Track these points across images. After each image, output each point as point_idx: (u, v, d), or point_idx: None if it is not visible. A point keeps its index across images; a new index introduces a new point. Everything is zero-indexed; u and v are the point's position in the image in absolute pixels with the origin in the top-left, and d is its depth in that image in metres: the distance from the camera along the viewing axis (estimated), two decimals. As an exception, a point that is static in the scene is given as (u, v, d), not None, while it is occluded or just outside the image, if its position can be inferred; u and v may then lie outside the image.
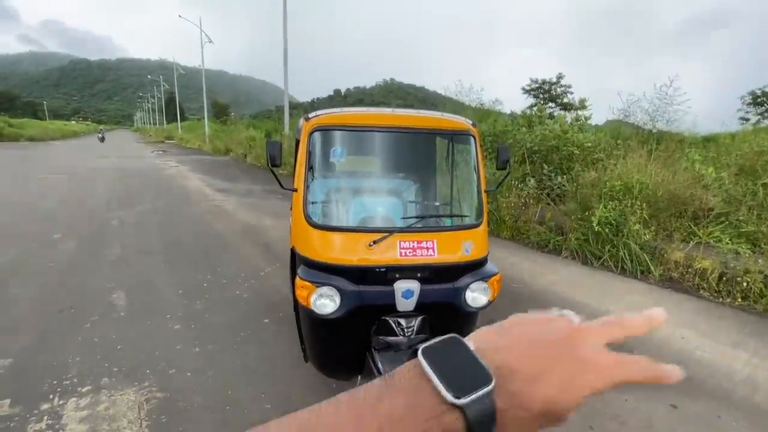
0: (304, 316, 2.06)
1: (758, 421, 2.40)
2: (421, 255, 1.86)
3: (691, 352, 3.19)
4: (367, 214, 2.06)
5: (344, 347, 2.01)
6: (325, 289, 1.80)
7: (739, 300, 4.17)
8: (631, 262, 4.89)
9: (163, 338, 3.08)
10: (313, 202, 2.00)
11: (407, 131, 2.06)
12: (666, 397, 2.59)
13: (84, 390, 2.44)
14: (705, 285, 4.41)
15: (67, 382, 2.51)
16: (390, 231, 1.83)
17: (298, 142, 3.03)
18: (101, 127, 44.00)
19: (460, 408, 0.27)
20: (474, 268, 1.96)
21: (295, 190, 2.05)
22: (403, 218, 1.92)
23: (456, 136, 2.14)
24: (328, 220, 2.00)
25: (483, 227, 2.05)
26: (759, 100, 33.85)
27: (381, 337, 1.90)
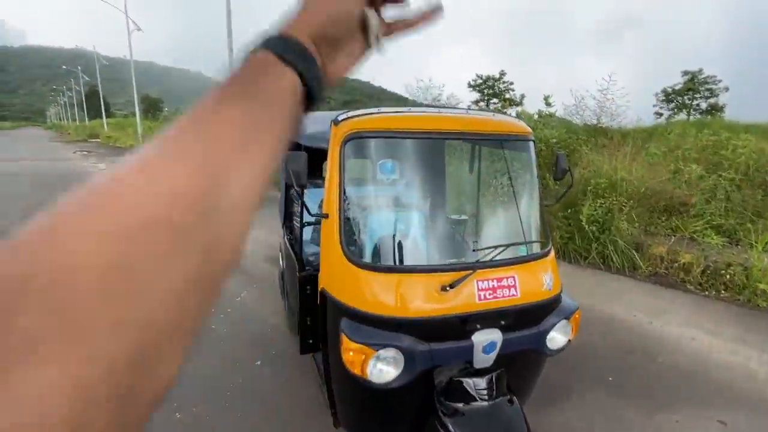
0: (344, 380, 1.58)
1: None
2: (503, 296, 1.47)
3: (707, 354, 3.15)
4: (428, 245, 1.63)
5: (399, 417, 1.58)
6: (386, 352, 1.35)
7: (723, 292, 4.32)
8: (618, 258, 4.93)
9: (129, 402, 2.40)
10: (353, 234, 1.53)
11: (465, 137, 1.65)
12: (713, 414, 2.46)
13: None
14: (690, 279, 4.52)
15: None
16: (472, 267, 1.42)
17: (292, 143, 2.50)
18: None
19: (299, 72, 0.32)
20: (555, 304, 1.61)
21: (326, 216, 1.56)
22: (476, 249, 1.52)
23: (515, 142, 1.78)
24: (379, 257, 1.54)
25: (552, 253, 1.71)
26: (670, 97, 37.96)
27: (452, 403, 1.49)
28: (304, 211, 2.68)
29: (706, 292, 4.36)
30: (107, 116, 45.14)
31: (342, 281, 1.50)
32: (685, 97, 36.81)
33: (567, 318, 1.60)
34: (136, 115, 28.02)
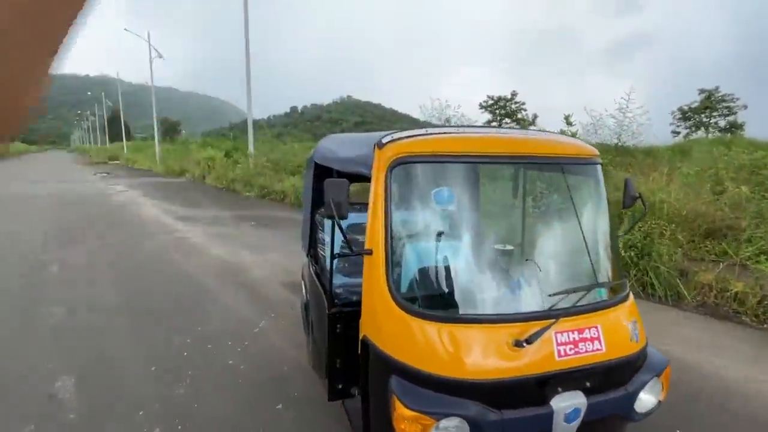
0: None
1: None
2: (586, 351, 1.22)
3: (783, 401, 2.77)
4: (496, 289, 1.39)
5: None
6: (448, 422, 1.10)
7: (783, 324, 3.92)
8: (660, 286, 4.57)
9: (138, 453, 2.17)
10: (404, 274, 1.30)
11: (529, 161, 1.44)
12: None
13: None
14: (746, 310, 4.13)
15: None
16: (553, 316, 1.18)
17: (320, 166, 2.34)
18: None
19: None
20: (643, 358, 1.35)
21: (369, 252, 1.34)
22: (554, 294, 1.27)
23: (582, 166, 1.55)
24: (437, 303, 1.31)
25: (632, 296, 1.45)
26: (687, 115, 37.46)
27: None
28: (335, 241, 2.51)
29: (766, 326, 3.96)
30: (127, 139, 46.51)
31: (390, 330, 1.27)
32: (703, 115, 36.19)
33: (658, 375, 1.33)
34: (155, 138, 28.75)
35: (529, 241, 1.46)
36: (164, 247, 6.58)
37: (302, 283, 3.28)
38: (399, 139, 1.39)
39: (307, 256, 2.68)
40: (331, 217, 1.31)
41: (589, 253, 1.39)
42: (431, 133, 1.44)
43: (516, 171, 1.57)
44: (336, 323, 1.97)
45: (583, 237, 1.39)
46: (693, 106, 37.93)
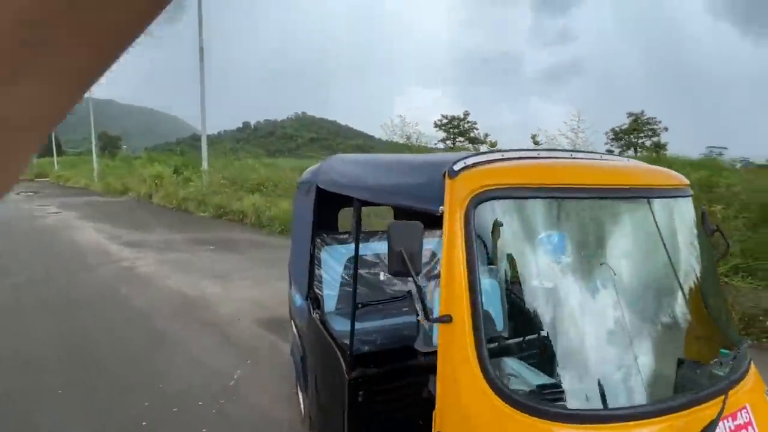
0: None
1: None
2: (744, 445, 0.94)
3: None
4: (638, 368, 1.04)
5: None
6: None
7: (764, 340, 4.05)
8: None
9: None
10: (503, 353, 0.96)
11: (636, 195, 1.18)
12: None
13: None
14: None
15: None
16: (711, 396, 0.92)
17: (325, 192, 1.99)
18: None
19: None
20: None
21: (448, 320, 0.99)
22: (705, 370, 0.99)
23: (682, 198, 1.33)
24: (565, 395, 0.96)
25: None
26: (618, 135, 41.36)
27: None
28: (347, 283, 2.11)
29: (748, 342, 4.07)
30: (58, 155, 42.29)
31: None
32: (632, 136, 40.13)
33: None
34: (93, 153, 26.33)
35: (643, 297, 1.17)
36: (109, 279, 5.70)
37: (292, 324, 2.81)
38: (477, 165, 1.07)
39: (306, 299, 2.25)
40: (400, 273, 0.95)
41: (710, 308, 1.15)
42: (513, 158, 1.14)
43: (613, 207, 1.31)
44: (357, 390, 1.60)
45: (699, 288, 1.14)
46: (623, 127, 41.96)
